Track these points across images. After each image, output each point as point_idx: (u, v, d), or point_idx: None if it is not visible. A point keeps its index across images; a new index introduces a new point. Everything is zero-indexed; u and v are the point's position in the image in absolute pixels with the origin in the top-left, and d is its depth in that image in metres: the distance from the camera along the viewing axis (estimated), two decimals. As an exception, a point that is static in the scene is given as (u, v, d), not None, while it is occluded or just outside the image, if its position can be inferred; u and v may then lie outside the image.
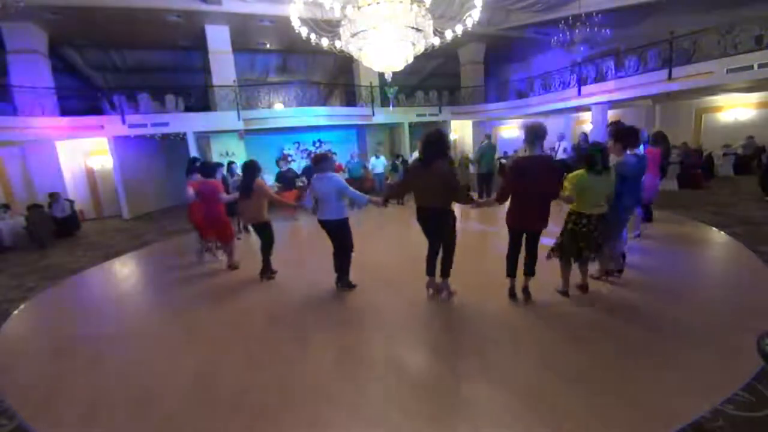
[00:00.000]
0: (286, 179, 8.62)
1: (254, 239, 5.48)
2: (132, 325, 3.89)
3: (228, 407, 2.43)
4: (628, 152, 3.72)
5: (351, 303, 3.98)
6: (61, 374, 3.02)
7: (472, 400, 2.34)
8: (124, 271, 6.14)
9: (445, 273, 3.81)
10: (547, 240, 3.72)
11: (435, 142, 3.50)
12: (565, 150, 10.24)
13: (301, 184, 8.71)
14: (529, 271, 3.57)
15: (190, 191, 5.22)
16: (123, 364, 3.12)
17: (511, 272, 3.63)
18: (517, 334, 3.08)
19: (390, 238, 6.73)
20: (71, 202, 9.62)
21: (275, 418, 2.30)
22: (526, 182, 3.31)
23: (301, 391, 2.53)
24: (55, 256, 7.12)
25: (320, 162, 4.14)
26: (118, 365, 3.10)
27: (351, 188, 4.14)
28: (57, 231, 8.63)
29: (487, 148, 9.49)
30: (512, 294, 3.65)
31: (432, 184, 3.47)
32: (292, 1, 5.55)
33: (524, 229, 3.49)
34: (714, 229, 5.66)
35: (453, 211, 3.64)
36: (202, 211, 5.18)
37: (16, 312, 4.45)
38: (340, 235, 4.14)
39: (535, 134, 3.34)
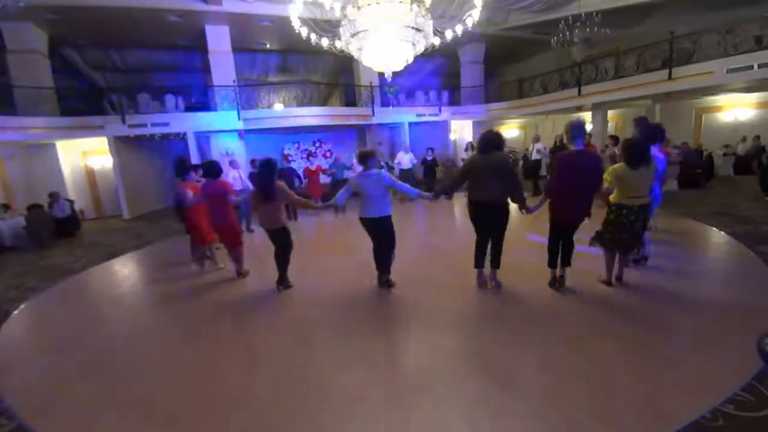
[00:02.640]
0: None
1: (259, 241, 5.36)
2: (132, 325, 3.89)
3: (228, 407, 2.43)
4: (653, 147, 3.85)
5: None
6: (61, 374, 3.02)
7: (476, 396, 2.34)
8: (124, 271, 6.13)
9: (496, 264, 3.91)
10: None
11: (493, 138, 3.70)
12: (539, 151, 10.39)
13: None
14: (567, 262, 3.77)
15: (189, 194, 4.92)
16: (123, 364, 3.12)
17: (553, 263, 3.82)
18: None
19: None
20: (71, 202, 9.61)
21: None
22: (572, 177, 3.46)
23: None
24: (55, 256, 7.12)
25: (367, 159, 3.99)
26: (118, 365, 3.10)
27: (399, 182, 4.16)
28: (57, 231, 8.62)
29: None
30: (553, 284, 3.83)
31: (494, 171, 3.58)
32: (292, 1, 5.54)
33: (568, 221, 3.64)
34: (714, 229, 5.65)
35: (509, 204, 3.73)
36: (206, 214, 4.85)
37: (16, 312, 4.45)
38: (386, 232, 4.05)
39: (579, 130, 3.52)
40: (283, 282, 4.39)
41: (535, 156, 10.44)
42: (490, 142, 3.69)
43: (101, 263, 6.41)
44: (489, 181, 3.60)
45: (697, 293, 3.65)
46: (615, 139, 7.77)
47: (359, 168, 4.19)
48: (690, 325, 3.04)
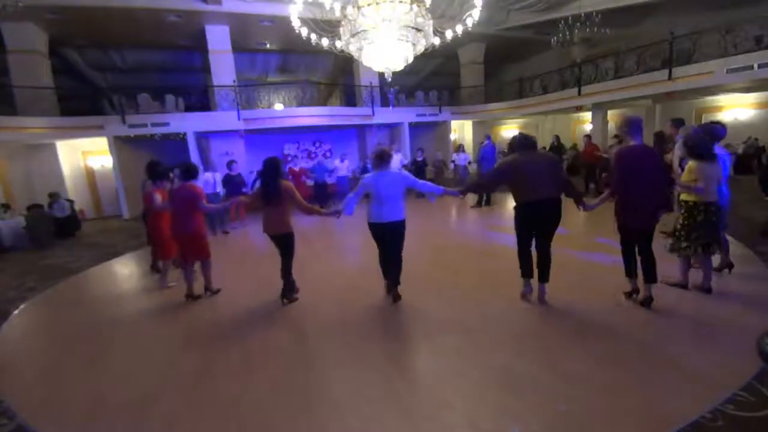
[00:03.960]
0: (233, 184, 8.04)
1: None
2: (132, 325, 3.89)
3: (228, 407, 2.43)
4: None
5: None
6: (61, 374, 3.02)
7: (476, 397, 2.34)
8: (124, 271, 6.14)
9: (545, 277, 3.51)
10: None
11: (528, 137, 3.58)
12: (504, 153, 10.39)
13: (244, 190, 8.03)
14: (650, 278, 3.27)
15: (158, 198, 4.47)
16: (123, 363, 3.12)
17: (630, 272, 3.44)
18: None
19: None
20: (71, 201, 9.62)
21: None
22: (636, 174, 3.14)
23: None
24: (55, 256, 7.12)
25: (384, 158, 3.71)
26: (118, 365, 3.10)
27: (422, 181, 3.91)
28: (57, 231, 8.63)
29: (488, 149, 9.49)
30: (630, 295, 3.48)
31: (542, 169, 3.35)
32: (292, 1, 5.54)
33: (638, 227, 3.25)
34: (714, 229, 5.64)
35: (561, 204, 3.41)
36: (169, 223, 4.34)
37: (16, 312, 4.45)
38: (398, 238, 3.73)
39: (635, 125, 3.26)
40: (289, 293, 4.02)
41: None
42: (527, 142, 3.53)
43: (101, 263, 6.41)
44: (538, 181, 3.33)
45: (697, 293, 3.64)
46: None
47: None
48: (690, 325, 3.04)
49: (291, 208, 3.88)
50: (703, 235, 3.37)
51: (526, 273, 3.63)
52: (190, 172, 4.27)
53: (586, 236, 5.95)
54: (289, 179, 8.58)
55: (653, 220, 3.25)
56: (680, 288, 3.59)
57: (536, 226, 3.47)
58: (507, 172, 3.53)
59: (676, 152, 3.84)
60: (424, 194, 4.04)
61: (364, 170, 10.82)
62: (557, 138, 11.80)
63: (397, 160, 10.55)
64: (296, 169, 8.63)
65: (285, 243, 3.91)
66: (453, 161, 11.58)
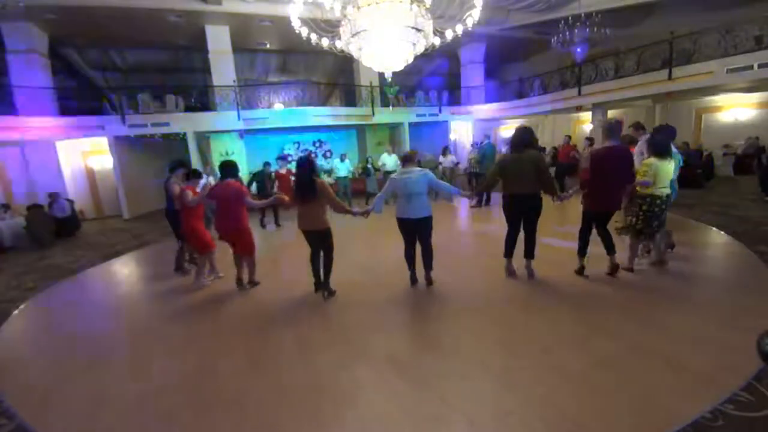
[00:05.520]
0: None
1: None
2: (132, 325, 3.89)
3: (228, 407, 2.43)
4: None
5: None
6: (61, 374, 3.02)
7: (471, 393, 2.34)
8: (124, 271, 6.14)
9: (531, 254, 4.15)
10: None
11: (524, 135, 4.03)
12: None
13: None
14: (612, 248, 3.97)
15: (189, 194, 4.50)
16: (123, 363, 3.12)
17: (583, 252, 4.12)
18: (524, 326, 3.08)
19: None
20: (71, 202, 9.61)
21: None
22: (607, 170, 3.78)
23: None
24: (55, 256, 7.12)
25: (409, 159, 4.11)
26: (117, 365, 3.10)
27: (442, 182, 4.24)
28: (57, 231, 8.62)
29: (488, 148, 9.49)
30: (581, 272, 4.13)
31: (527, 169, 3.87)
32: (292, 1, 5.54)
33: (603, 211, 3.94)
34: (714, 229, 5.66)
35: (541, 197, 3.98)
36: (202, 217, 4.65)
37: (16, 312, 4.45)
38: (427, 233, 4.03)
39: (612, 130, 3.88)
40: (326, 287, 4.08)
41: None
42: (523, 139, 4.01)
43: (101, 263, 6.41)
44: (522, 179, 3.89)
45: (697, 293, 3.65)
46: (591, 140, 8.53)
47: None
48: (690, 325, 3.04)
49: (326, 205, 3.97)
50: (647, 222, 3.93)
51: (508, 253, 4.24)
52: (229, 170, 4.41)
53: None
54: (275, 183, 8.62)
55: (617, 206, 4.00)
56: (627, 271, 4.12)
57: (518, 213, 4.07)
58: (498, 169, 4.11)
59: (638, 150, 4.34)
60: (443, 194, 4.41)
61: (366, 172, 10.85)
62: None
63: (392, 162, 10.56)
64: (282, 171, 8.59)
65: (324, 239, 4.01)
66: (440, 163, 11.54)
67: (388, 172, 10.55)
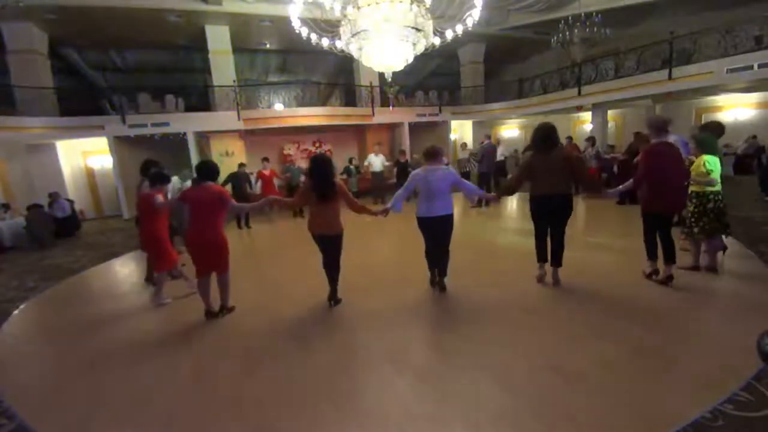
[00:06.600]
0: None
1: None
2: (131, 325, 3.88)
3: (228, 407, 2.43)
4: None
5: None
6: (61, 374, 3.02)
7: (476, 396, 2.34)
8: (124, 271, 6.14)
9: (558, 261, 3.93)
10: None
11: (551, 133, 3.83)
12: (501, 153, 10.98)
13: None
14: (672, 258, 3.69)
15: (159, 198, 4.07)
16: (123, 364, 3.12)
17: (653, 255, 3.86)
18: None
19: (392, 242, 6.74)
20: (71, 201, 9.61)
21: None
22: (665, 167, 3.58)
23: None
24: (55, 256, 7.12)
25: (434, 155, 3.85)
26: (117, 365, 3.10)
27: (465, 181, 4.10)
28: (57, 231, 8.62)
29: (488, 148, 9.51)
30: (650, 276, 3.89)
31: (557, 169, 3.68)
32: (292, 1, 5.54)
33: (663, 211, 3.70)
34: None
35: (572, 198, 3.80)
36: (167, 226, 4.13)
37: (16, 312, 4.45)
38: (447, 232, 3.86)
39: (663, 125, 3.69)
40: (333, 296, 3.85)
41: (499, 157, 10.80)
42: (549, 136, 3.83)
43: (101, 263, 6.41)
44: (552, 179, 3.70)
45: (697, 293, 3.65)
46: (592, 140, 8.73)
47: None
48: (690, 325, 3.04)
49: (340, 207, 3.76)
50: (717, 219, 3.80)
51: (541, 258, 4.01)
52: (209, 172, 3.74)
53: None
54: (251, 184, 8.57)
55: (679, 207, 3.85)
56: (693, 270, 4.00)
57: (547, 216, 3.85)
58: (526, 171, 3.90)
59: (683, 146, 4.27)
60: (466, 196, 4.18)
61: (347, 172, 10.83)
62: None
63: (378, 162, 10.56)
64: (266, 172, 8.57)
65: (336, 243, 3.75)
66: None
67: (375, 173, 10.64)
